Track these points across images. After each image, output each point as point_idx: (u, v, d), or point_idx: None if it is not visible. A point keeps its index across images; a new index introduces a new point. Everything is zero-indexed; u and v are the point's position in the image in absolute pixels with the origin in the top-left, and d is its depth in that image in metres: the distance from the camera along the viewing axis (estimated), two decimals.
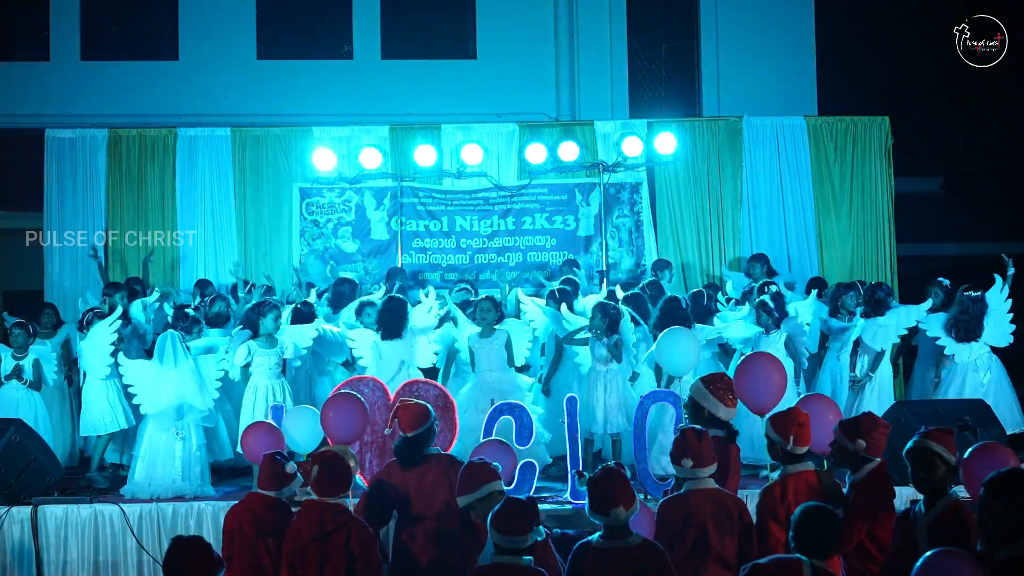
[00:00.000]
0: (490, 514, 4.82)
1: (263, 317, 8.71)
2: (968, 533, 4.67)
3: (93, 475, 8.98)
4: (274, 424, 7.52)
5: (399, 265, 11.87)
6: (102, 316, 9.26)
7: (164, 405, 8.24)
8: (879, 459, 5.40)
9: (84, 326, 9.45)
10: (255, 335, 8.75)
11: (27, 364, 9.33)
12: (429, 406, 6.08)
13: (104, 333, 8.98)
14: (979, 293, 9.46)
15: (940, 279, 10.08)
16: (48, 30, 14.26)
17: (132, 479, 8.28)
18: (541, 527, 4.88)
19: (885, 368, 9.35)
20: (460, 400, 8.72)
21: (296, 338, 8.98)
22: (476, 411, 8.50)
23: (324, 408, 7.10)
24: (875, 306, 9.29)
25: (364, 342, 9.08)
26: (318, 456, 5.66)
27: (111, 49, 14.41)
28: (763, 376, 6.87)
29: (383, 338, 8.94)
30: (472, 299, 9.95)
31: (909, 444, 4.96)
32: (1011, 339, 9.53)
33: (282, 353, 8.81)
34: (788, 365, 9.18)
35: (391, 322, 8.95)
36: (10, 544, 7.77)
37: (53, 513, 7.84)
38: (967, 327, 9.38)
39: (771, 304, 9.21)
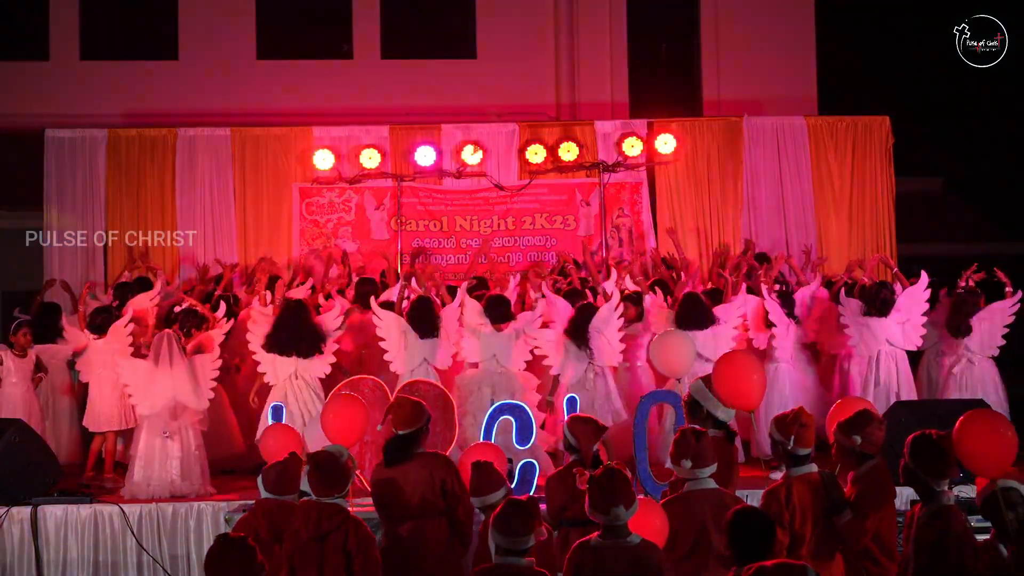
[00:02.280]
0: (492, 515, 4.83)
1: None
2: (947, 538, 4.74)
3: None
4: (290, 426, 7.52)
5: (398, 266, 11.89)
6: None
7: (160, 406, 8.23)
8: (878, 457, 5.41)
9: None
10: None
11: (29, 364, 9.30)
12: (423, 405, 6.09)
13: (121, 332, 9.05)
14: (976, 290, 9.49)
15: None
16: (48, 30, 14.25)
17: (130, 480, 8.27)
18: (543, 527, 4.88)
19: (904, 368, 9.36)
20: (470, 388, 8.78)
21: None
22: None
23: (324, 409, 7.07)
24: (880, 306, 9.26)
25: (394, 326, 9.02)
26: (313, 456, 5.63)
27: (111, 49, 14.37)
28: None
29: (420, 337, 8.90)
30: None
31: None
32: (996, 351, 9.52)
33: None
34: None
35: (427, 321, 8.90)
36: (10, 544, 7.77)
37: (53, 513, 7.83)
38: (959, 323, 9.38)
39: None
